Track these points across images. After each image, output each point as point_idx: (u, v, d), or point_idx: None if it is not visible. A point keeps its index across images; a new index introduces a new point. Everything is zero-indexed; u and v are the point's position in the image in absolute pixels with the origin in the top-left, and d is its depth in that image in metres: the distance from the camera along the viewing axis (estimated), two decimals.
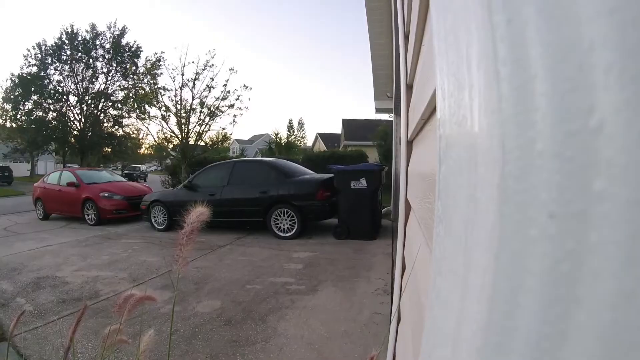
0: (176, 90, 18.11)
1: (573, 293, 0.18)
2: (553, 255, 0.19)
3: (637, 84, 0.15)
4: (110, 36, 32.50)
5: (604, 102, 0.16)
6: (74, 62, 31.33)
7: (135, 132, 30.40)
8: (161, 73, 20.42)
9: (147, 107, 18.73)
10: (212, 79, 18.44)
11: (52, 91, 30.80)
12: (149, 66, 21.52)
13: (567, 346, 0.18)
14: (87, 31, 32.03)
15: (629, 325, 0.15)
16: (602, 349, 0.16)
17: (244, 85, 18.82)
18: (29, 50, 31.18)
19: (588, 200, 0.17)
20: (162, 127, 18.49)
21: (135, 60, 32.22)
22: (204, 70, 18.33)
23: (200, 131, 18.67)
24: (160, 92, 18.26)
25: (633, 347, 0.15)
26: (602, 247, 0.16)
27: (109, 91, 32.59)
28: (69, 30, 31.45)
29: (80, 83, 31.65)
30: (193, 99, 18.30)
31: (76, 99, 31.76)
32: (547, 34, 0.19)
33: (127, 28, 32.95)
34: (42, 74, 30.67)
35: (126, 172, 37.34)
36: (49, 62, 31.14)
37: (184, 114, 18.22)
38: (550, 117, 0.19)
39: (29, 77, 30.18)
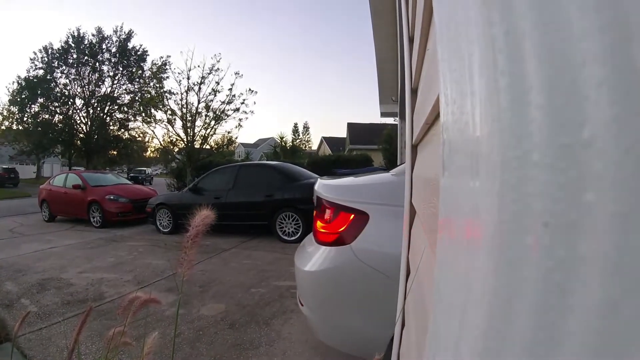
0: (182, 94, 18.26)
1: (564, 301, 0.18)
2: (546, 264, 0.19)
3: (626, 101, 0.15)
4: (117, 40, 32.62)
5: (594, 117, 0.17)
6: (80, 65, 31.43)
7: (141, 135, 30.52)
8: (167, 77, 20.56)
9: (153, 110, 18.84)
10: (218, 83, 18.54)
11: (58, 94, 30.90)
12: (155, 70, 21.63)
13: (559, 352, 0.18)
14: (93, 35, 32.17)
15: (616, 333, 0.16)
16: (591, 356, 0.17)
17: (250, 89, 18.92)
18: (35, 54, 31.36)
19: (578, 212, 0.17)
20: (168, 130, 18.63)
21: (142, 64, 32.32)
22: (209, 74, 18.47)
23: (206, 135, 18.78)
24: (166, 96, 18.39)
25: (620, 354, 0.16)
26: (591, 257, 0.17)
27: (115, 94, 32.70)
28: (76, 34, 31.60)
29: (86, 86, 31.75)
30: (199, 102, 18.42)
31: (82, 102, 31.86)
32: (542, 48, 0.19)
33: (133, 32, 33.10)
34: (48, 77, 30.75)
35: (132, 175, 37.51)
36: (56, 65, 31.24)
37: (190, 118, 18.32)
38: (545, 129, 0.19)
39: (35, 80, 30.29)
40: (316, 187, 2.78)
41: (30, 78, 30.42)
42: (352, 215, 2.31)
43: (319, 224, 2.49)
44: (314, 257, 2.46)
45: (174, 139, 18.76)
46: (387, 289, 2.14)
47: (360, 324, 2.29)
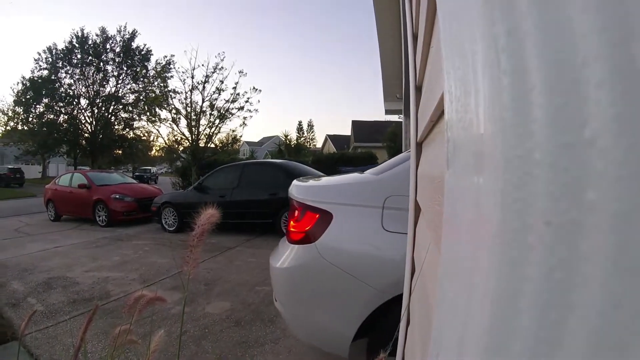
0: (186, 93, 18.23)
1: (566, 300, 0.18)
2: (548, 262, 0.19)
3: (626, 100, 0.16)
4: (121, 40, 32.61)
5: (596, 116, 0.17)
6: (84, 65, 31.43)
7: (146, 134, 30.48)
8: (171, 76, 20.54)
9: (157, 109, 18.84)
10: (222, 82, 18.53)
11: (63, 94, 30.90)
12: (159, 69, 21.63)
13: (562, 350, 0.18)
14: (97, 35, 32.17)
15: (617, 331, 0.16)
16: (592, 354, 0.17)
17: (254, 88, 18.88)
18: (40, 54, 31.38)
19: (580, 210, 0.18)
20: (173, 129, 18.63)
21: (146, 64, 32.29)
22: (213, 73, 18.44)
23: (210, 133, 18.78)
24: (171, 95, 18.38)
25: (621, 352, 0.16)
26: (592, 256, 0.17)
27: (120, 94, 32.69)
28: (80, 34, 31.62)
29: (91, 86, 31.75)
30: (203, 101, 18.40)
31: (87, 102, 31.86)
32: (543, 48, 0.19)
33: (137, 32, 33.10)
34: (53, 78, 30.77)
35: (137, 174, 37.65)
36: (60, 65, 31.26)
37: (194, 117, 18.31)
38: (547, 128, 0.19)
39: (40, 80, 30.31)
40: (290, 188, 2.90)
41: (35, 79, 30.43)
42: (318, 215, 2.41)
43: (291, 223, 2.60)
44: (283, 255, 2.58)
45: (179, 138, 18.78)
46: (349, 286, 2.25)
47: (324, 319, 2.39)
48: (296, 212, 2.56)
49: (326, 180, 2.90)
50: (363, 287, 2.19)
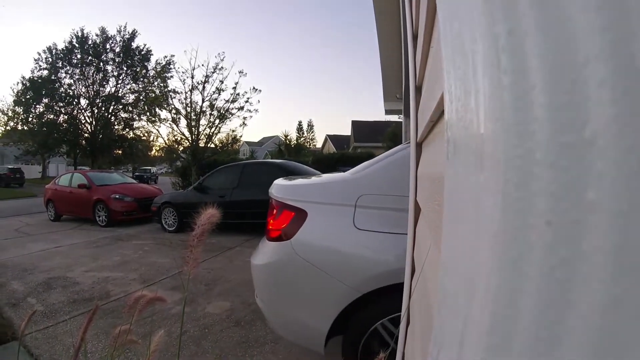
0: (186, 93, 18.22)
1: (566, 299, 0.18)
2: (549, 261, 0.19)
3: (627, 100, 0.16)
4: (121, 40, 32.55)
5: (596, 116, 0.17)
6: (84, 65, 31.35)
7: (146, 134, 30.41)
8: (171, 76, 20.54)
9: (157, 109, 18.84)
10: (222, 82, 18.53)
11: (63, 94, 30.83)
12: (159, 69, 21.64)
13: (562, 349, 0.18)
14: (97, 35, 32.11)
15: (617, 331, 0.16)
16: (592, 353, 0.17)
17: (254, 88, 18.88)
18: (39, 54, 31.33)
19: (581, 210, 0.18)
20: (173, 129, 18.61)
21: (146, 64, 32.24)
22: (213, 73, 18.43)
23: (210, 133, 18.76)
24: (171, 95, 18.36)
25: (621, 352, 0.16)
26: (592, 255, 0.17)
27: (120, 94, 32.63)
28: (79, 34, 31.57)
29: (91, 86, 31.67)
30: (203, 101, 18.39)
31: (87, 102, 31.78)
32: (544, 47, 0.19)
33: (137, 32, 33.04)
34: (53, 78, 30.71)
35: (137, 174, 37.62)
36: (60, 65, 31.20)
37: (194, 117, 18.30)
38: (548, 128, 0.19)
39: (40, 80, 30.27)
40: (270, 187, 2.98)
41: (35, 78, 30.37)
42: (294, 213, 2.48)
43: (269, 221, 2.67)
44: (261, 252, 2.67)
45: (179, 138, 18.76)
46: (321, 283, 2.31)
47: (300, 314, 2.45)
48: (274, 211, 2.63)
49: (304, 180, 2.96)
50: (335, 284, 2.25)
